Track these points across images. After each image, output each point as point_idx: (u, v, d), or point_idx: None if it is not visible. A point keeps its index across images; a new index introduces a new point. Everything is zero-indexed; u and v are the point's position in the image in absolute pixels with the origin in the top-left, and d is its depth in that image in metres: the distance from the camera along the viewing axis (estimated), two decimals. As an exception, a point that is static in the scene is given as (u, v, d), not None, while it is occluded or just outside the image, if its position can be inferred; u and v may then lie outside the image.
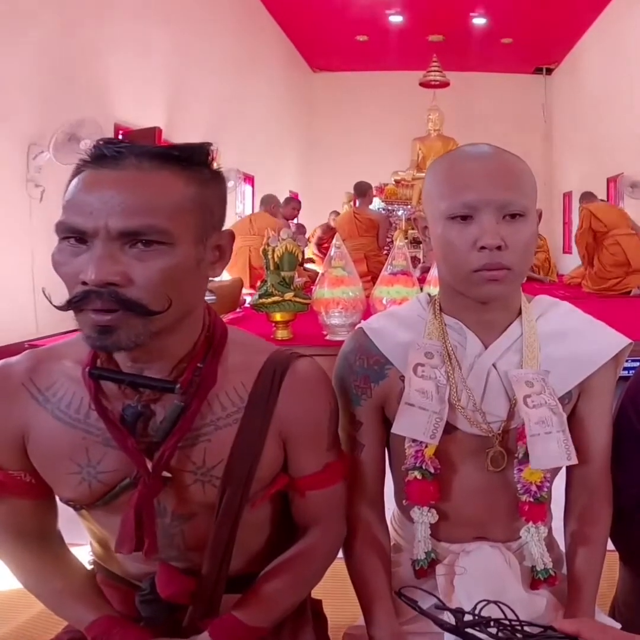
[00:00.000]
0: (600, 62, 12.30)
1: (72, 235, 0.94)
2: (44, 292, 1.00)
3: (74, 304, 0.94)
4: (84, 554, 1.27)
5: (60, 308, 0.96)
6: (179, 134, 8.42)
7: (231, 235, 1.08)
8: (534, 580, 1.20)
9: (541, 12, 11.62)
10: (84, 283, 0.92)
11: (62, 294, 0.98)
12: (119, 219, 0.92)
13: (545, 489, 1.19)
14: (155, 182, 0.95)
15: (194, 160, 1.01)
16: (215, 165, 1.05)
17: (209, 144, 1.04)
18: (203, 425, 1.08)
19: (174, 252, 0.95)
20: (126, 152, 0.96)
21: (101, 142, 0.98)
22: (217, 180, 1.05)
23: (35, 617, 2.03)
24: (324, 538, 1.21)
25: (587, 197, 8.35)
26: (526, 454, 1.16)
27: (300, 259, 4.17)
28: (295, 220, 9.55)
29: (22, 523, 1.14)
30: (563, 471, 1.26)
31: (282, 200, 8.80)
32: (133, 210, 0.92)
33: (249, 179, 11.75)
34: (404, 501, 1.23)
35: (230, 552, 1.10)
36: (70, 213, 0.94)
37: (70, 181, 0.98)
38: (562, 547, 1.31)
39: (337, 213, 11.18)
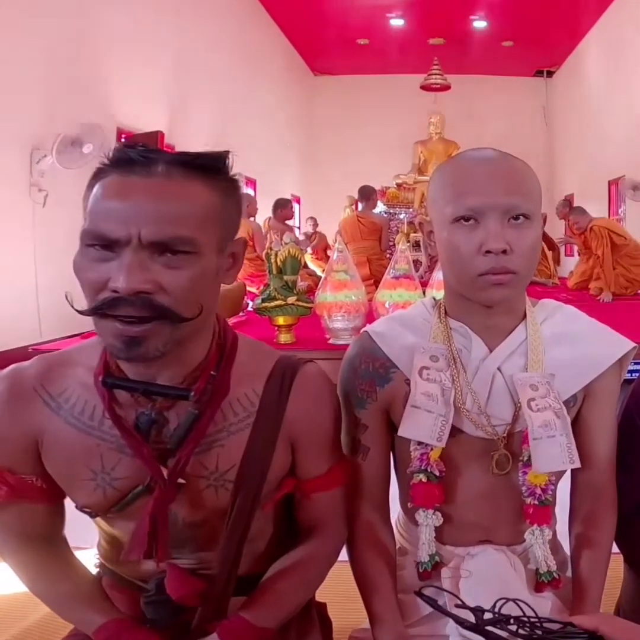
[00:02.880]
0: (601, 65, 12.31)
1: (100, 243, 0.94)
2: (67, 297, 1.00)
3: (102, 310, 0.94)
4: (88, 557, 1.27)
5: (83, 313, 0.95)
6: (181, 138, 8.44)
7: (244, 243, 1.09)
8: (538, 583, 1.20)
9: (542, 15, 11.64)
10: (114, 291, 0.92)
11: (61, 303, 0.97)
12: (152, 229, 0.92)
13: (550, 492, 1.19)
14: (185, 191, 0.96)
15: (217, 169, 1.02)
16: (233, 174, 1.06)
17: (228, 153, 1.05)
18: (216, 432, 1.08)
19: (199, 261, 0.96)
20: (155, 158, 0.96)
21: (127, 147, 0.98)
22: (236, 189, 1.06)
23: (41, 620, 2.04)
24: (327, 539, 1.22)
25: (582, 211, 8.05)
26: (531, 457, 1.17)
27: (303, 263, 4.18)
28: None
29: (31, 527, 1.15)
30: (568, 474, 1.26)
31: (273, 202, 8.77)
32: (165, 221, 0.93)
33: (251, 183, 11.76)
34: (409, 504, 1.23)
35: (241, 554, 1.11)
36: (99, 220, 0.94)
37: (90, 185, 0.98)
38: (567, 550, 1.31)
39: (313, 219, 11.27)
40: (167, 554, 1.07)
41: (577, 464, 1.16)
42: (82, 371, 1.09)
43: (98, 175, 0.98)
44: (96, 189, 0.96)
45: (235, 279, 1.11)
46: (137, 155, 0.96)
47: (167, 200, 0.94)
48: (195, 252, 0.96)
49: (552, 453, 1.14)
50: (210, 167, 1.01)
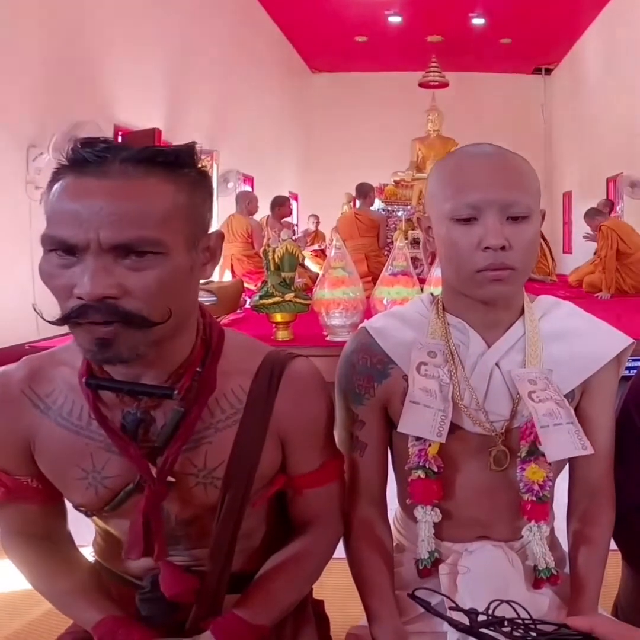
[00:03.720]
0: (599, 62, 12.32)
1: (60, 248, 0.91)
2: (34, 308, 0.99)
3: (71, 319, 0.92)
4: (85, 555, 1.27)
5: (54, 323, 0.94)
6: (179, 135, 8.42)
7: (220, 236, 1.06)
8: (536, 579, 1.20)
9: (540, 12, 11.63)
10: (79, 297, 0.90)
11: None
12: (111, 232, 0.89)
13: (547, 488, 1.19)
14: (144, 190, 0.92)
15: (180, 163, 0.97)
16: (200, 165, 1.02)
17: (194, 144, 1.01)
18: (204, 429, 1.08)
19: (167, 261, 0.93)
20: (110, 157, 0.92)
21: (79, 145, 0.94)
22: (204, 181, 1.02)
23: (40, 617, 2.05)
24: (322, 536, 1.21)
25: (598, 213, 8.03)
26: (529, 453, 1.17)
27: (300, 260, 4.18)
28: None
29: (30, 526, 1.15)
30: (566, 470, 1.26)
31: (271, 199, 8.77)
32: (124, 222, 0.89)
33: (249, 180, 11.75)
34: (407, 500, 1.22)
35: (233, 552, 1.10)
36: (56, 225, 0.91)
37: (49, 186, 0.95)
38: (565, 547, 1.31)
39: (316, 217, 11.28)
40: (164, 552, 1.06)
41: (590, 450, 1.14)
42: (68, 371, 1.09)
43: (55, 176, 0.95)
44: (53, 191, 0.93)
45: (212, 273, 1.08)
46: (91, 155, 0.92)
47: (125, 200, 0.90)
48: (162, 252, 0.92)
49: (562, 440, 1.13)
50: (173, 161, 0.96)
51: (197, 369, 1.07)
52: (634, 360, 1.43)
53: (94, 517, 1.16)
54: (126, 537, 1.10)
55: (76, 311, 0.91)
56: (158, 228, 0.92)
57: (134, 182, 0.92)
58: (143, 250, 0.91)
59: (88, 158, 0.92)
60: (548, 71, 15.69)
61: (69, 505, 1.16)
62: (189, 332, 1.07)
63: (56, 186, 0.94)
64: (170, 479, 1.05)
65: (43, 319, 0.96)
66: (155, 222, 0.92)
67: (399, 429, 1.19)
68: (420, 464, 1.19)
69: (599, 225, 7.68)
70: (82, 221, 0.89)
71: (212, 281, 5.36)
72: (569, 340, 1.23)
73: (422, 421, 1.17)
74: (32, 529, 1.15)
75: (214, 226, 1.06)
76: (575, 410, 1.24)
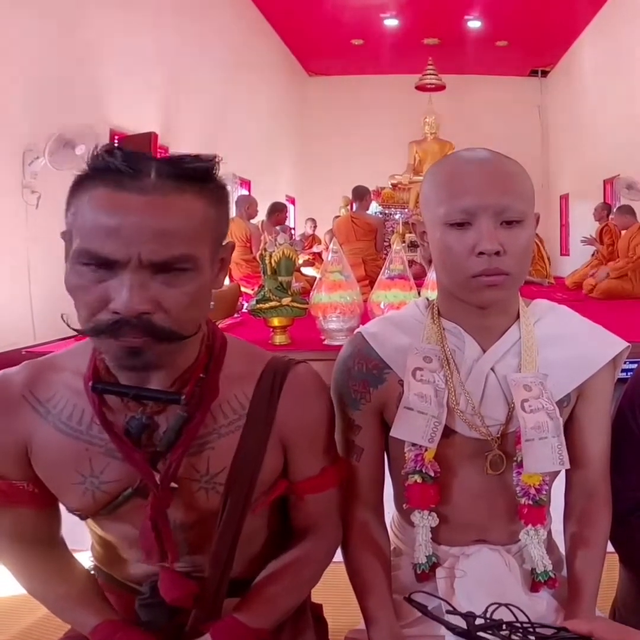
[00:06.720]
0: (596, 64, 12.33)
1: (96, 262, 0.91)
2: (63, 318, 1.00)
3: (103, 333, 0.92)
4: (84, 559, 1.27)
5: (84, 333, 0.94)
6: (175, 139, 8.43)
7: (232, 247, 1.08)
8: (534, 582, 1.20)
9: (536, 15, 11.64)
10: (115, 312, 0.91)
11: (55, 305, 0.96)
12: (152, 249, 0.90)
13: (544, 492, 1.19)
14: (180, 206, 0.93)
15: (209, 177, 0.99)
16: (219, 178, 1.03)
17: (216, 157, 1.01)
18: (206, 434, 1.08)
19: (198, 276, 0.95)
20: (145, 170, 0.92)
21: (107, 154, 0.93)
22: (224, 195, 1.04)
23: (37, 622, 2.04)
24: (321, 541, 1.21)
25: (622, 211, 8.10)
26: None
27: (297, 264, 4.19)
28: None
29: (26, 530, 1.15)
30: (562, 474, 1.27)
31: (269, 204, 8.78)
32: (165, 240, 0.91)
33: (246, 184, 11.74)
34: (404, 505, 1.23)
35: (233, 557, 1.10)
36: (94, 240, 0.91)
37: (73, 192, 0.95)
38: (562, 550, 1.31)
39: (313, 220, 11.32)
40: (177, 556, 1.07)
41: (567, 465, 1.17)
42: (70, 376, 1.09)
43: (81, 183, 0.94)
44: (85, 202, 0.93)
45: (223, 283, 1.10)
46: (125, 167, 0.92)
47: (164, 217, 0.91)
48: (194, 268, 0.94)
49: (543, 454, 1.15)
50: (202, 175, 0.97)
51: (201, 375, 1.08)
52: (630, 362, 1.43)
53: (90, 523, 1.16)
54: (122, 541, 1.11)
55: (110, 326, 0.92)
56: (193, 244, 0.94)
57: (171, 197, 0.93)
58: (177, 267, 0.93)
59: (122, 169, 0.92)
60: (544, 73, 15.70)
61: (65, 510, 1.16)
62: (196, 339, 1.08)
63: (86, 197, 0.93)
64: (173, 484, 1.06)
65: (69, 326, 0.97)
66: (191, 238, 0.94)
67: (392, 434, 1.20)
68: (417, 468, 1.19)
69: (636, 226, 7.66)
70: (123, 237, 0.90)
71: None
72: (564, 345, 1.23)
73: (414, 427, 1.17)
74: (27, 533, 1.15)
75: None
76: (571, 413, 1.25)
